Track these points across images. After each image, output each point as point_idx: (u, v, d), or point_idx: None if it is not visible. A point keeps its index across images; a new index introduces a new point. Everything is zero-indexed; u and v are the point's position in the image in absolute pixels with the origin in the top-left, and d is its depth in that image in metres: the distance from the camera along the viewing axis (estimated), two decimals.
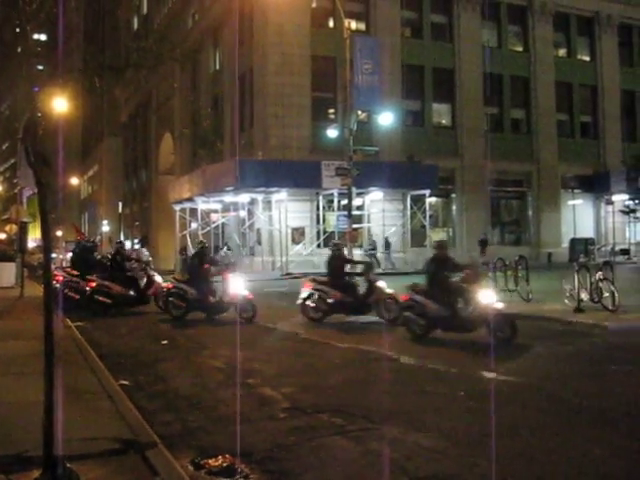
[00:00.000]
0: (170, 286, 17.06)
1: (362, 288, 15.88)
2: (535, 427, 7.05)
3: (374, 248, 36.05)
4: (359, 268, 17.16)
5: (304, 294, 16.17)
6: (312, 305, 15.96)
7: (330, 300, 15.67)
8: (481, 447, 6.36)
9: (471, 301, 12.33)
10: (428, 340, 12.61)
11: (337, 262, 16.42)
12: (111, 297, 18.34)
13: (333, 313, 15.74)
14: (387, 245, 36.87)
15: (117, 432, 6.60)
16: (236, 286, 16.17)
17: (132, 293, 18.58)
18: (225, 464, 6.03)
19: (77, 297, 19.70)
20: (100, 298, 18.28)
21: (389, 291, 15.50)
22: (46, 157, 5.80)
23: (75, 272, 20.60)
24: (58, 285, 19.59)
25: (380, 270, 33.90)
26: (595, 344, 12.25)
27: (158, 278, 19.11)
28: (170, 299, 16.86)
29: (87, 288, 18.69)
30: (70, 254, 23.57)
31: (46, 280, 5.67)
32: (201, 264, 17.01)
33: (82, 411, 7.33)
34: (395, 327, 14.40)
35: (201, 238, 39.48)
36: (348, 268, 17.21)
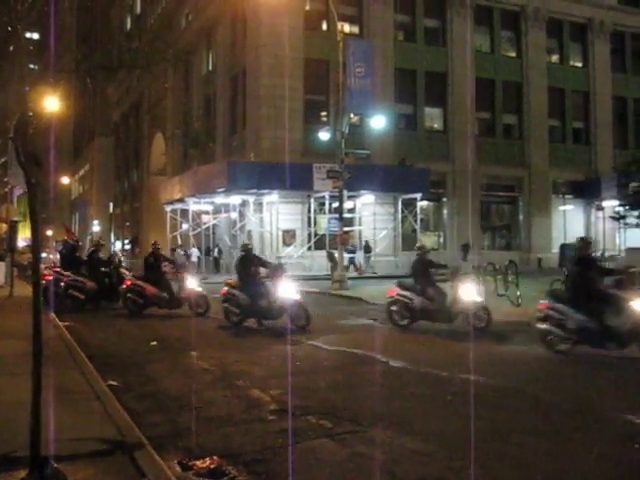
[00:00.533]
0: (224, 291, 16.17)
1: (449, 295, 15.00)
2: (523, 430, 7.08)
3: (354, 250, 36.07)
4: (443, 273, 16.12)
5: (389, 300, 15.62)
6: (397, 311, 15.37)
7: (414, 306, 15.01)
8: (469, 450, 6.38)
9: (624, 311, 10.87)
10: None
11: (420, 266, 15.53)
12: (143, 297, 18.26)
13: (418, 320, 15.08)
14: (367, 249, 36.79)
15: (105, 433, 6.60)
16: (286, 290, 15.23)
17: (165, 295, 18.30)
18: (213, 465, 6.04)
19: (82, 297, 19.78)
20: (132, 296, 18.32)
21: (478, 299, 14.67)
22: (37, 156, 5.80)
23: (64, 271, 20.69)
24: (62, 284, 19.87)
25: (355, 274, 34.01)
26: (584, 348, 12.28)
27: (192, 283, 18.41)
28: (225, 305, 16.05)
29: (123, 286, 18.82)
30: (62, 252, 23.47)
31: (35, 280, 5.66)
32: (247, 267, 16.04)
33: (70, 412, 7.31)
34: (484, 337, 13.49)
35: (190, 239, 39.54)
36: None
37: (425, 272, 15.35)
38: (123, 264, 23.68)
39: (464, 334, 13.42)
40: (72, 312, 18.86)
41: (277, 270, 15.92)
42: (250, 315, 15.73)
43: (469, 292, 14.60)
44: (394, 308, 15.38)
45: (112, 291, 20.22)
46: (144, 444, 6.20)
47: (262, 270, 16.16)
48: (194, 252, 39.41)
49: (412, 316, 15.09)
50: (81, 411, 7.48)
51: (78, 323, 16.60)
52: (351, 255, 35.55)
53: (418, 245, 16.40)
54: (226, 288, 16.14)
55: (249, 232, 37.89)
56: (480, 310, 14.50)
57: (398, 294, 15.32)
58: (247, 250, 16.58)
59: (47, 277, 19.88)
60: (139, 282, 18.52)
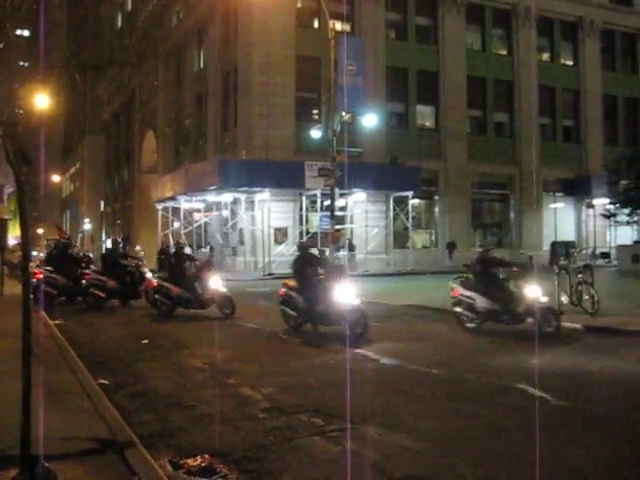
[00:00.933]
0: (282, 292, 15.01)
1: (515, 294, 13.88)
2: (514, 427, 7.10)
3: (337, 249, 35.83)
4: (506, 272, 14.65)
5: (453, 300, 14.75)
6: (462, 313, 14.51)
7: (478, 307, 14.12)
8: (460, 448, 6.40)
9: None
10: None
11: (481, 265, 14.58)
12: (170, 298, 17.83)
13: (485, 321, 14.15)
14: (351, 247, 36.60)
15: (96, 432, 6.59)
16: (345, 294, 13.61)
17: (188, 296, 17.73)
18: (204, 464, 6.04)
19: (103, 295, 19.85)
20: (159, 298, 17.98)
21: (543, 299, 13.39)
22: (26, 155, 5.79)
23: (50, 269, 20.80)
24: (83, 282, 19.98)
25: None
26: (573, 346, 12.33)
27: (215, 282, 17.42)
28: (282, 307, 14.92)
29: (150, 288, 18.69)
30: (53, 252, 23.36)
31: (25, 278, 5.64)
32: (303, 268, 14.74)
33: (61, 410, 7.30)
34: (555, 345, 12.25)
35: (181, 237, 39.41)
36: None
37: (487, 271, 14.45)
38: (143, 261, 23.42)
39: (530, 339, 11.91)
40: (93, 310, 19.16)
41: (336, 271, 14.62)
42: (307, 319, 14.45)
43: (534, 292, 13.41)
44: (458, 309, 14.61)
45: (134, 289, 20.26)
46: (135, 443, 6.19)
47: (322, 271, 14.74)
48: (186, 251, 39.29)
49: (478, 318, 14.22)
50: (72, 410, 7.46)
51: (69, 321, 16.57)
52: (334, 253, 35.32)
53: (481, 243, 15.16)
54: (284, 289, 14.98)
55: (241, 230, 37.89)
56: (547, 312, 13.33)
57: (462, 294, 14.50)
58: (303, 249, 15.48)
59: (37, 276, 19.87)
60: (165, 283, 18.06)
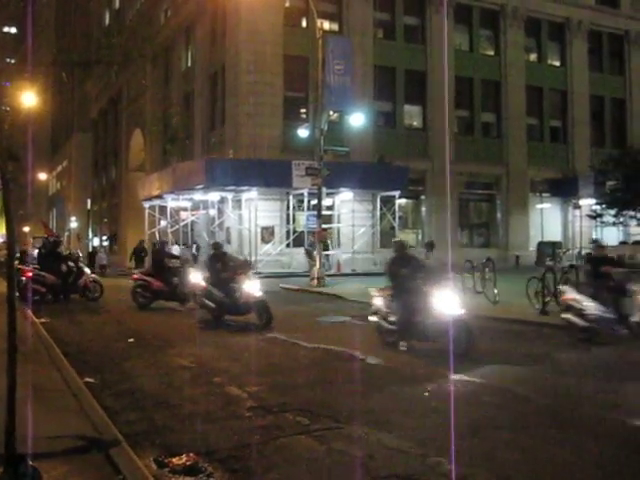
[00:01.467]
0: (377, 302, 12.81)
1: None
2: (499, 427, 7.13)
3: (311, 246, 35.52)
4: (620, 274, 12.92)
5: (562, 306, 13.32)
6: (571, 320, 12.80)
7: (589, 315, 12.33)
8: (445, 447, 6.41)
9: None
10: None
11: (589, 265, 13.05)
12: (216, 302, 16.45)
13: (598, 332, 12.39)
14: (325, 247, 35.94)
15: (82, 430, 6.57)
16: (446, 302, 11.23)
17: (227, 301, 16.33)
18: (189, 463, 6.04)
19: (150, 296, 19.51)
20: (207, 302, 16.68)
21: None
22: (13, 152, 5.79)
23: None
24: (130, 281, 20.22)
25: (333, 271, 33.85)
26: (559, 345, 12.39)
27: (250, 286, 15.65)
28: (375, 319, 12.76)
29: (197, 292, 17.30)
30: (41, 250, 23.25)
31: (9, 275, 5.63)
32: (397, 271, 12.26)
33: (47, 409, 7.27)
34: None
35: (168, 236, 39.31)
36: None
37: (598, 271, 12.60)
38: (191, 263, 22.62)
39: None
40: (142, 309, 19.08)
41: (436, 275, 12.32)
42: (405, 335, 11.87)
43: None
44: (568, 316, 12.88)
45: (178, 291, 19.39)
46: (120, 441, 6.19)
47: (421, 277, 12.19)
48: (175, 249, 39.07)
49: (590, 327, 12.37)
50: (57, 408, 7.44)
51: (56, 320, 16.52)
52: (309, 251, 35.15)
53: (594, 238, 13.23)
54: (379, 298, 12.68)
55: (228, 229, 37.84)
56: None
57: (571, 299, 12.89)
58: (400, 248, 12.76)
59: (26, 274, 19.81)
60: (210, 287, 16.74)
